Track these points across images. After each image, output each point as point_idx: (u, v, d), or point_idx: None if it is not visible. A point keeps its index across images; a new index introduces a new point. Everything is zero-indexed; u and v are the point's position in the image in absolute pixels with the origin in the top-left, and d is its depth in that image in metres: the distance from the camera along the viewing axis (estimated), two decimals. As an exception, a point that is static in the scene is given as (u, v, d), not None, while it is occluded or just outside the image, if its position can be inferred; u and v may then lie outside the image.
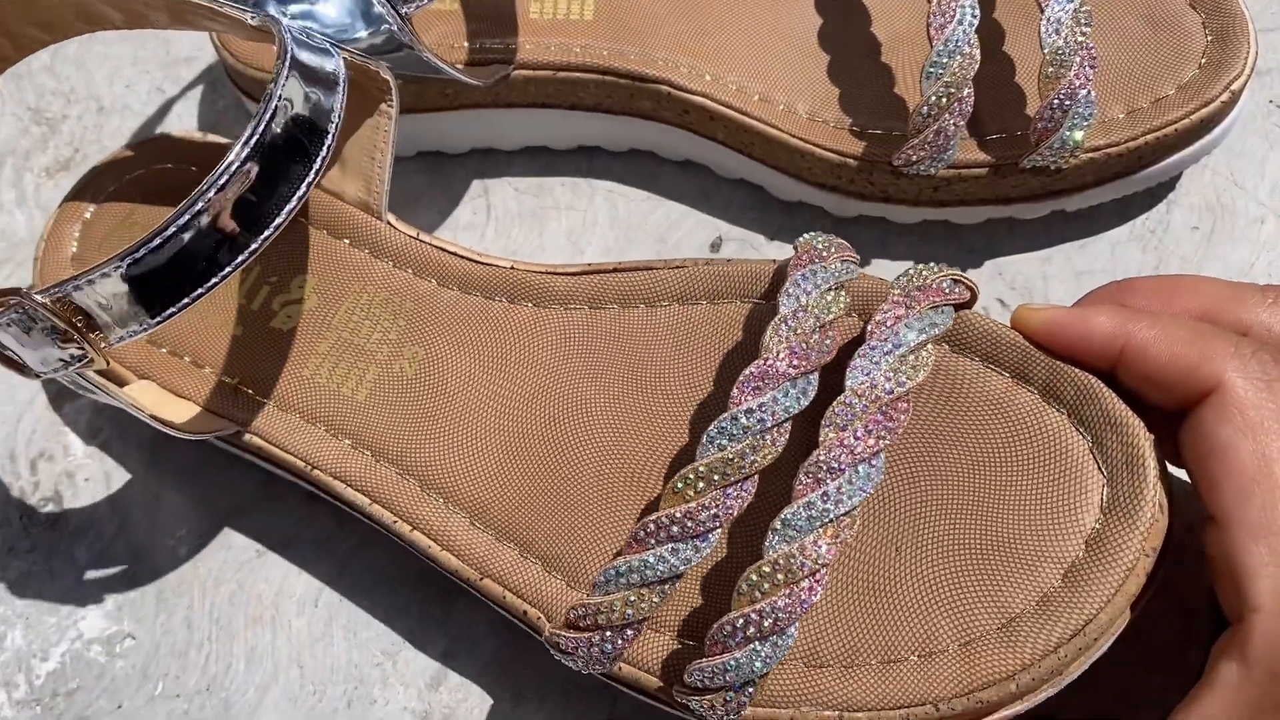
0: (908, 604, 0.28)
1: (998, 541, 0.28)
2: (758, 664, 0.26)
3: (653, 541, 0.27)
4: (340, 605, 0.36)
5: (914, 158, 0.35)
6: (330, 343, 0.34)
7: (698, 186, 0.41)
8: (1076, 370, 0.28)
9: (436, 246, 0.35)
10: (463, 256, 0.35)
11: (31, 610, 0.36)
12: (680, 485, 0.27)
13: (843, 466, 0.26)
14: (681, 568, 0.27)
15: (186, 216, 0.27)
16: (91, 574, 0.36)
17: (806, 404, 0.28)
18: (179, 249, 0.27)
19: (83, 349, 0.27)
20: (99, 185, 0.38)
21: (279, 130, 0.28)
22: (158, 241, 0.26)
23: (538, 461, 0.32)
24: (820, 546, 0.26)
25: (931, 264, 0.30)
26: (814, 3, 0.38)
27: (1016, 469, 0.28)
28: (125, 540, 0.37)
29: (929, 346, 0.28)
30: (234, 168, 0.27)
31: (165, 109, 0.44)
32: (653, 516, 0.27)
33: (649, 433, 0.31)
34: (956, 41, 0.33)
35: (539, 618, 0.30)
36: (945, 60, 0.33)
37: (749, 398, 0.27)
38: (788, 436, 0.27)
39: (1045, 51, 0.33)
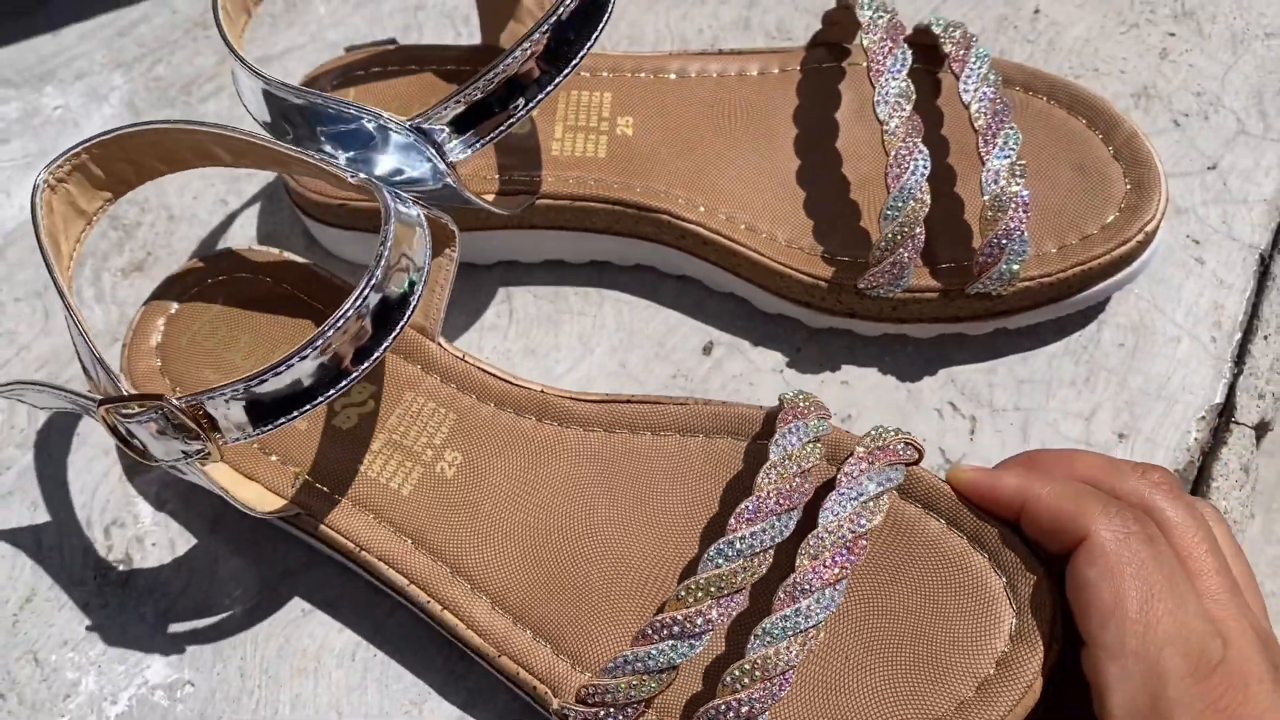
0: (853, 702, 0.33)
1: (927, 656, 0.33)
2: None
3: (657, 638, 0.33)
4: (374, 659, 0.40)
5: (875, 283, 0.40)
6: (382, 442, 0.39)
7: (692, 298, 0.46)
8: (995, 524, 0.34)
9: (479, 368, 0.40)
10: (500, 378, 0.39)
11: (103, 659, 0.40)
12: (684, 593, 0.33)
13: (813, 589, 0.32)
14: (678, 660, 0.32)
15: (307, 351, 0.31)
16: (157, 628, 0.41)
17: (789, 535, 0.33)
18: (294, 377, 0.31)
19: (204, 446, 0.32)
20: (182, 285, 0.43)
21: (387, 278, 0.32)
22: (280, 369, 0.31)
23: (553, 560, 0.37)
24: (791, 651, 0.31)
25: (891, 429, 0.36)
26: (794, 147, 0.44)
27: (946, 598, 0.34)
28: (187, 598, 0.41)
29: (884, 496, 0.34)
30: (352, 312, 0.31)
31: (228, 219, 0.50)
32: (658, 617, 0.33)
33: (648, 543, 0.36)
34: (910, 189, 0.38)
35: (546, 693, 0.35)
36: (900, 205, 0.38)
37: (743, 527, 0.33)
38: (772, 559, 0.33)
39: (985, 198, 0.39)
